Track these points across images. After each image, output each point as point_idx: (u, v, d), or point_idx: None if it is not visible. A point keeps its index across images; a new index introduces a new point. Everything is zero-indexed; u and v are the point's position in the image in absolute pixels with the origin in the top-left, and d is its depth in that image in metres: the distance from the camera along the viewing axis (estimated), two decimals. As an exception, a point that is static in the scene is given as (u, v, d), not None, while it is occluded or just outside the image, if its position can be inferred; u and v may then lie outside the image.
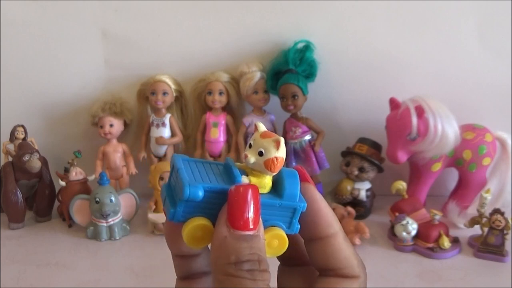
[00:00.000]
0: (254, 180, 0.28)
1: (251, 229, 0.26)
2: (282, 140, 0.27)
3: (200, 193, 0.26)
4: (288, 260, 0.31)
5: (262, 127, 0.28)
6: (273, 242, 0.28)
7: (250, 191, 0.26)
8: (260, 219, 0.27)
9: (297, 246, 0.30)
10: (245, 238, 0.26)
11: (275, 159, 0.27)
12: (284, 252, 0.28)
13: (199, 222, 0.27)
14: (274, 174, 0.28)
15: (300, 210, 0.28)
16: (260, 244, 0.26)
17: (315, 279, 0.30)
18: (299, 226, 0.29)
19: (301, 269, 0.31)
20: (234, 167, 0.28)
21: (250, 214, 0.26)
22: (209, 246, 0.28)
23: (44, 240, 0.85)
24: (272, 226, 0.28)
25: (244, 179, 0.27)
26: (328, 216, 0.29)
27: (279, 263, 0.32)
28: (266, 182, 0.28)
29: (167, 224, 0.29)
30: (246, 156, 0.28)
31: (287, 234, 0.28)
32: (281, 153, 0.27)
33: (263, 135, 0.28)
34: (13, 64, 0.95)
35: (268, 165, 0.27)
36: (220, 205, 0.27)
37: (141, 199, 0.88)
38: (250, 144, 0.28)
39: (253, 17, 0.92)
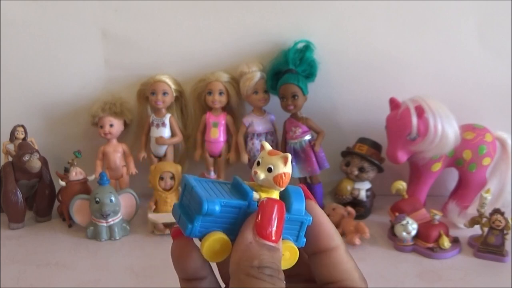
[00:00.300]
0: (263, 195, 0.29)
1: (274, 241, 0.28)
2: (290, 156, 0.29)
3: (217, 208, 0.27)
4: (293, 277, 0.32)
5: (268, 146, 0.30)
6: (285, 254, 0.29)
7: (277, 206, 0.28)
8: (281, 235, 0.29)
9: (301, 262, 0.31)
10: (268, 248, 0.27)
11: (283, 175, 0.29)
12: (290, 268, 0.30)
13: (218, 236, 0.28)
14: (282, 189, 0.30)
15: (306, 223, 0.30)
16: (279, 256, 0.28)
17: None
18: (305, 240, 0.30)
19: (304, 286, 0.32)
20: (244, 184, 0.30)
21: (275, 227, 0.28)
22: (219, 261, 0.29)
23: (44, 240, 0.85)
24: (283, 239, 0.29)
25: (255, 195, 0.29)
26: (330, 230, 0.30)
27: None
28: (274, 197, 0.30)
29: (175, 247, 0.30)
30: (255, 173, 0.29)
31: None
32: (289, 169, 0.29)
33: (271, 153, 0.29)
34: (13, 64, 0.95)
35: (277, 180, 0.29)
36: (235, 219, 0.29)
37: (141, 199, 0.88)
38: (259, 162, 0.30)
39: (253, 17, 0.92)
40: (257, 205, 0.29)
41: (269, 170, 0.29)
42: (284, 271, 0.29)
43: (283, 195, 0.30)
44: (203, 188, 0.29)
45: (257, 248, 0.27)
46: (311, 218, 0.30)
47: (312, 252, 0.31)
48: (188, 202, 0.29)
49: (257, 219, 0.28)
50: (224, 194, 0.29)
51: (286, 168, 0.29)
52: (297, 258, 0.30)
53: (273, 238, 0.28)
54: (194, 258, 0.30)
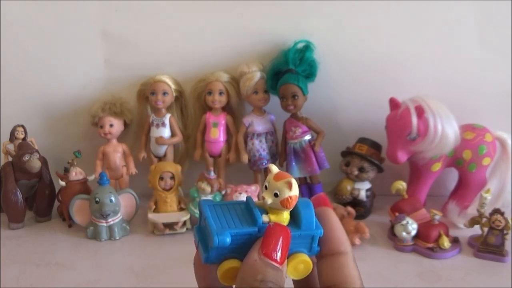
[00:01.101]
0: (273, 217, 0.31)
1: (278, 263, 0.30)
2: (294, 181, 0.31)
3: (228, 240, 0.29)
4: None
5: (274, 169, 0.32)
6: (299, 266, 0.31)
7: (283, 234, 0.30)
8: (286, 257, 0.30)
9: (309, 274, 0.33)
10: (272, 266, 0.29)
11: (289, 198, 0.31)
12: (298, 281, 0.32)
13: (231, 265, 0.30)
14: (290, 209, 0.31)
15: (317, 236, 0.32)
16: (282, 277, 0.30)
17: None
18: (318, 248, 0.32)
19: None
20: (255, 208, 0.31)
21: (280, 252, 0.30)
22: None
23: (44, 240, 0.85)
24: (296, 252, 0.31)
25: (265, 218, 0.31)
26: (341, 235, 0.33)
27: None
28: (284, 217, 0.31)
29: (198, 263, 0.33)
30: (263, 198, 0.31)
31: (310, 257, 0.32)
32: (294, 192, 0.31)
33: (276, 178, 0.31)
34: (13, 64, 0.95)
35: (284, 204, 0.31)
36: (246, 244, 0.30)
37: (141, 199, 0.88)
38: (266, 186, 0.31)
39: (253, 17, 0.92)
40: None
41: (276, 195, 0.31)
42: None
43: (294, 211, 0.31)
44: (216, 217, 0.31)
45: (262, 264, 0.29)
46: (322, 231, 0.32)
47: (321, 256, 0.32)
48: (204, 228, 0.32)
49: (263, 240, 0.30)
50: (235, 221, 0.31)
51: (292, 192, 0.31)
52: (311, 269, 0.32)
53: (278, 259, 0.29)
54: (213, 273, 0.31)
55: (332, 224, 0.32)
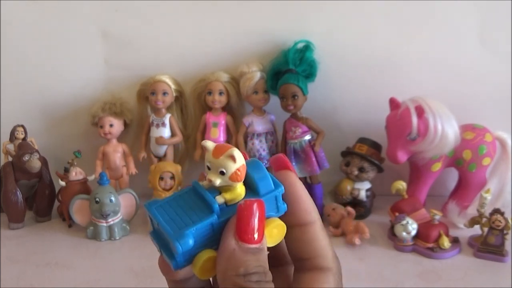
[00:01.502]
0: (228, 196, 0.28)
1: (257, 242, 0.27)
2: (235, 150, 0.28)
3: (190, 241, 0.27)
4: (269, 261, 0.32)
5: (210, 145, 0.29)
6: (273, 232, 0.29)
7: (256, 206, 0.27)
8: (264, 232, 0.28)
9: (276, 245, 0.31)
10: (252, 251, 0.27)
11: (237, 171, 0.28)
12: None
13: (206, 256, 0.28)
14: (241, 181, 0.29)
15: (280, 194, 0.29)
16: (265, 257, 0.28)
17: (292, 278, 0.31)
18: (285, 205, 0.30)
19: (279, 270, 0.32)
20: (205, 192, 0.29)
21: (256, 228, 0.27)
22: None
23: (44, 240, 0.85)
24: (266, 218, 0.29)
25: (219, 199, 0.28)
26: (307, 203, 0.30)
27: None
28: (239, 191, 0.29)
29: (161, 261, 0.30)
30: (210, 180, 0.28)
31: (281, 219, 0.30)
32: (240, 162, 0.28)
33: (215, 154, 0.28)
34: (13, 64, 0.95)
35: (234, 179, 0.28)
36: (212, 232, 0.28)
37: (141, 199, 0.88)
38: (208, 166, 0.28)
39: (253, 17, 0.92)
40: (231, 207, 0.28)
41: (222, 173, 0.28)
42: None
43: (246, 178, 0.29)
44: (168, 218, 0.28)
45: (241, 254, 0.27)
46: (282, 188, 0.29)
47: (288, 226, 0.30)
48: (160, 232, 0.29)
49: (237, 224, 0.27)
50: (190, 214, 0.28)
51: (237, 163, 0.28)
52: (285, 231, 0.29)
53: (256, 239, 0.27)
54: (181, 272, 0.29)
55: (295, 191, 0.30)
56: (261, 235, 0.28)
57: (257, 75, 0.90)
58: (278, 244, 0.30)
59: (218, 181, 0.28)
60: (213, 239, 0.28)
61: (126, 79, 0.96)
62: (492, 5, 0.89)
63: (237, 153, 0.28)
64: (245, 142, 0.93)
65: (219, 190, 0.29)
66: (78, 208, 0.85)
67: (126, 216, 0.87)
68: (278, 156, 0.31)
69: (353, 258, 0.76)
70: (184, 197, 0.29)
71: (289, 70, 0.87)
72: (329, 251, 0.30)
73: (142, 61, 0.95)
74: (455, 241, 0.79)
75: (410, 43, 0.92)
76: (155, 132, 0.95)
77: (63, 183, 0.89)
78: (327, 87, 0.94)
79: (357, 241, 0.79)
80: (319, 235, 0.30)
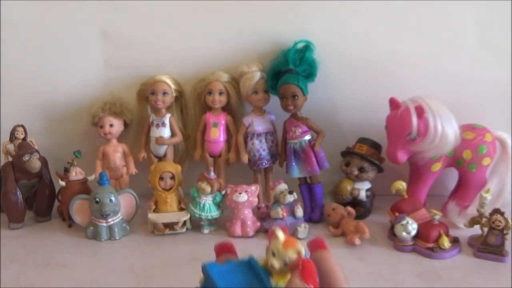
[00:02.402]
0: (281, 281, 0.35)
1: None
2: (301, 247, 0.35)
3: None
4: None
5: (281, 236, 0.36)
6: None
7: (314, 265, 0.36)
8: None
9: None
10: None
11: (299, 260, 0.36)
12: None
13: None
14: None
15: None
16: None
17: None
18: None
19: None
20: (261, 272, 0.36)
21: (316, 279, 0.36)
22: None
23: (44, 240, 0.85)
24: None
25: (273, 283, 0.35)
26: (340, 275, 0.37)
27: None
28: (288, 276, 0.36)
29: None
30: (272, 265, 0.35)
31: None
32: (302, 253, 0.36)
33: (285, 246, 0.35)
34: (13, 64, 0.95)
35: (293, 268, 0.35)
36: None
37: (141, 199, 0.88)
38: (274, 253, 0.35)
39: (253, 17, 0.92)
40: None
41: (285, 264, 0.35)
42: None
43: None
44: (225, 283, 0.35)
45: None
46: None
47: None
48: None
49: (303, 274, 0.35)
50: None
51: (300, 255, 0.35)
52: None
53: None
54: None
55: (330, 266, 0.37)
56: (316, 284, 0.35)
57: (257, 75, 0.90)
58: None
59: (278, 267, 0.35)
60: None
61: (126, 79, 0.96)
62: (492, 5, 0.89)
63: (302, 249, 0.35)
64: (245, 142, 0.93)
65: (269, 271, 0.36)
66: (78, 208, 0.85)
67: (126, 216, 0.87)
68: (316, 239, 0.40)
69: (353, 258, 0.76)
70: (241, 269, 0.36)
71: (289, 70, 0.87)
72: None
73: (142, 61, 0.95)
74: (455, 241, 0.79)
75: (410, 43, 0.92)
76: (155, 132, 0.95)
77: (63, 183, 0.89)
78: (327, 87, 0.94)
79: (357, 241, 0.79)
80: None
